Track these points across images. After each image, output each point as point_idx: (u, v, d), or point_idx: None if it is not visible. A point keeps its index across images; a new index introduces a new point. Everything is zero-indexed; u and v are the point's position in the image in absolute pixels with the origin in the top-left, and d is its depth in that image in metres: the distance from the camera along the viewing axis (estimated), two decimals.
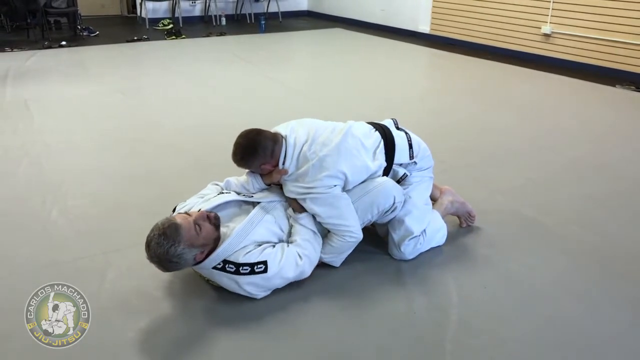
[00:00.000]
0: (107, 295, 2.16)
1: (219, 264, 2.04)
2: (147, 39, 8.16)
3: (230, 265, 2.04)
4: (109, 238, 2.59)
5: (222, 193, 2.33)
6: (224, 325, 2.00)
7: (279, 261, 2.08)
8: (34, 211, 2.86)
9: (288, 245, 2.17)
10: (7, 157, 3.60)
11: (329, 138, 2.28)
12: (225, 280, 2.07)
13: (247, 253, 2.05)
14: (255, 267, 2.04)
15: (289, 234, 2.25)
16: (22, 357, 1.87)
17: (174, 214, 2.27)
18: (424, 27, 8.32)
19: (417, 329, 2.00)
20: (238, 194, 2.33)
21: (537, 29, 6.73)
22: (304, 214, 2.24)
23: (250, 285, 2.06)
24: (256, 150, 2.23)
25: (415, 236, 2.37)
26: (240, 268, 2.03)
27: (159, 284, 2.20)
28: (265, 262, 2.05)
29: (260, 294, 2.10)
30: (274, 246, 2.14)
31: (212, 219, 2.06)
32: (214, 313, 2.07)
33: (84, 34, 8.41)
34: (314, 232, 2.23)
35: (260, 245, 2.11)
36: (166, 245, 1.91)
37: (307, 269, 2.17)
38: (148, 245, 1.95)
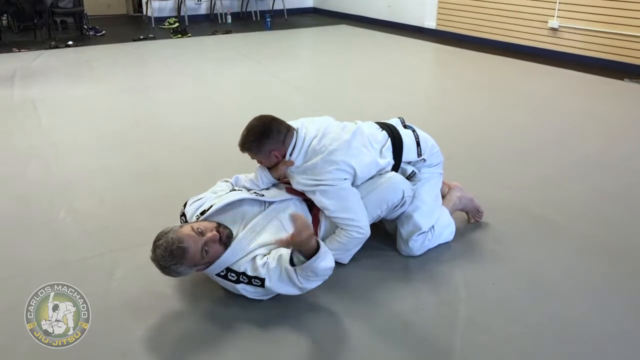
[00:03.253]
0: (116, 294, 2.17)
1: (222, 271, 2.04)
2: (153, 38, 8.18)
3: (232, 274, 2.03)
4: (116, 237, 2.60)
5: (234, 190, 2.32)
6: (232, 323, 2.00)
7: (276, 280, 1.99)
8: (42, 211, 2.87)
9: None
10: (14, 158, 3.61)
11: (339, 134, 2.29)
12: (227, 285, 2.07)
13: (251, 260, 2.03)
14: (253, 280, 2.02)
15: None
16: (22, 357, 1.87)
17: (191, 212, 2.23)
18: (430, 23, 8.28)
19: (426, 326, 1.99)
20: (248, 190, 2.33)
21: (544, 23, 6.68)
22: (310, 263, 1.88)
23: (250, 293, 2.05)
24: (271, 132, 2.22)
25: (424, 232, 2.37)
26: (240, 277, 2.02)
27: (168, 282, 2.20)
28: (262, 280, 2.00)
29: (264, 298, 2.08)
30: (279, 256, 2.02)
31: (224, 238, 2.03)
32: (222, 312, 2.07)
33: (90, 33, 8.43)
34: (320, 268, 1.92)
35: (269, 248, 2.07)
36: (169, 262, 1.93)
37: (310, 286, 2.01)
38: (154, 248, 1.95)
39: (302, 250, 1.90)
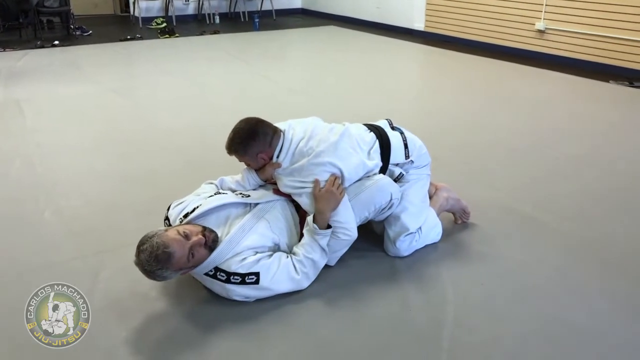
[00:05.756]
0: (101, 295, 2.14)
1: (211, 270, 2.02)
2: (141, 38, 8.13)
3: (222, 274, 2.01)
4: (102, 238, 2.58)
5: (219, 193, 2.30)
6: (218, 325, 1.99)
7: (273, 274, 2.04)
8: (27, 212, 2.84)
9: (288, 256, 2.12)
10: None
11: (326, 136, 2.28)
12: (217, 287, 2.06)
13: (241, 261, 2.02)
14: (247, 277, 2.01)
15: (290, 236, 2.22)
16: (22, 357, 1.85)
17: (174, 215, 2.21)
18: (419, 25, 8.31)
19: (413, 327, 1.99)
20: (233, 191, 2.32)
21: (532, 25, 6.73)
22: (325, 232, 2.14)
23: (240, 296, 2.04)
24: (257, 135, 2.22)
25: (411, 233, 2.37)
26: (231, 277, 2.01)
27: (153, 283, 2.17)
28: (257, 274, 2.02)
29: (251, 299, 2.08)
30: (271, 255, 2.09)
31: (210, 242, 2.01)
32: (208, 313, 2.05)
33: (77, 33, 8.36)
34: (323, 250, 2.16)
35: (256, 251, 2.08)
36: (155, 267, 1.90)
37: (305, 283, 2.13)
38: (138, 253, 1.92)
39: (319, 220, 2.13)
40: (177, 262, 1.92)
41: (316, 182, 2.17)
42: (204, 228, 2.05)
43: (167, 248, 1.89)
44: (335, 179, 2.18)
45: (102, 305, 2.08)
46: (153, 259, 1.88)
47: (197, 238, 1.97)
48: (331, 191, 2.14)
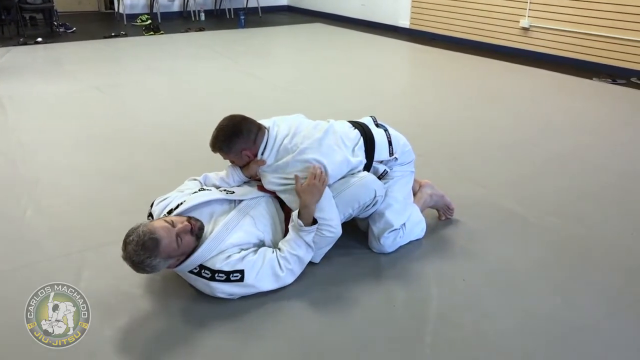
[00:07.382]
0: (84, 294, 2.12)
1: (195, 268, 2.02)
2: (125, 35, 8.06)
3: (206, 271, 2.01)
4: (85, 236, 2.56)
5: (203, 189, 2.30)
6: (204, 323, 1.98)
7: (257, 272, 2.04)
8: (9, 210, 2.81)
9: (273, 252, 2.12)
10: None
11: (310, 133, 2.28)
12: (200, 284, 2.05)
13: (226, 258, 2.02)
14: (231, 275, 2.01)
15: (275, 232, 2.21)
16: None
17: (158, 212, 2.21)
18: (404, 22, 8.33)
19: (397, 322, 2.00)
20: (217, 188, 2.31)
21: (516, 22, 6.77)
22: (310, 228, 2.14)
23: (225, 293, 2.04)
24: (241, 132, 2.22)
25: (395, 229, 2.38)
26: (216, 275, 2.01)
27: (137, 282, 2.18)
28: (242, 272, 2.02)
29: (235, 296, 2.08)
30: (255, 251, 2.09)
31: (196, 229, 2.01)
32: (194, 311, 2.05)
33: (61, 30, 8.27)
34: (308, 246, 2.16)
35: (240, 248, 2.08)
36: (143, 256, 1.89)
37: (289, 279, 2.14)
38: (125, 246, 1.91)
39: (304, 214, 2.12)
40: (165, 248, 1.91)
41: (296, 177, 2.17)
42: (189, 217, 2.05)
43: (154, 234, 1.89)
44: (318, 170, 2.17)
45: None
46: (140, 247, 1.87)
47: (182, 225, 1.97)
48: (313, 183, 2.14)
